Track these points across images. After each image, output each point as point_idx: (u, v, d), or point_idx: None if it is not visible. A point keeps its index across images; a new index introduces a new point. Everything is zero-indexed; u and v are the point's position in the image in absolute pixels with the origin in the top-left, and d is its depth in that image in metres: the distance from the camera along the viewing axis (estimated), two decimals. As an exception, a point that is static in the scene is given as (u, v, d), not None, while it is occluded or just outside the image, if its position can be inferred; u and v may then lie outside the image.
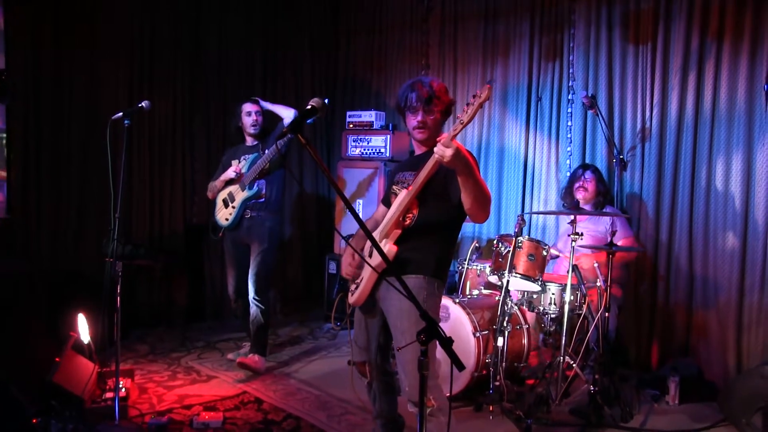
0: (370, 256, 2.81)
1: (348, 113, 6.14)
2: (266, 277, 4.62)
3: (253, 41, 6.35)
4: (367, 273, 2.82)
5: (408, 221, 2.77)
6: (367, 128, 5.93)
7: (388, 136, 5.75)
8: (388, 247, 2.68)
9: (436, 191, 2.70)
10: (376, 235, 2.82)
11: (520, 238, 4.10)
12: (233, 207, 4.60)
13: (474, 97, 2.34)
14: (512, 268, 4.06)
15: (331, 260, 6.02)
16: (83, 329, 4.02)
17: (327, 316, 5.95)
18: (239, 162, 4.65)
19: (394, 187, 2.92)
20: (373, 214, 3.14)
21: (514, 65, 5.62)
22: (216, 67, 6.06)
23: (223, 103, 6.04)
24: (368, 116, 5.96)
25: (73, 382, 3.65)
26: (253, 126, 4.64)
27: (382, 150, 5.79)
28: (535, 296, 4.27)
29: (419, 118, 2.77)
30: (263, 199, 4.60)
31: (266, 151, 4.53)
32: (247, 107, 4.66)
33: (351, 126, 6.06)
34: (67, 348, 3.90)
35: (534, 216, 5.45)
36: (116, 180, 3.52)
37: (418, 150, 2.94)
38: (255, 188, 4.57)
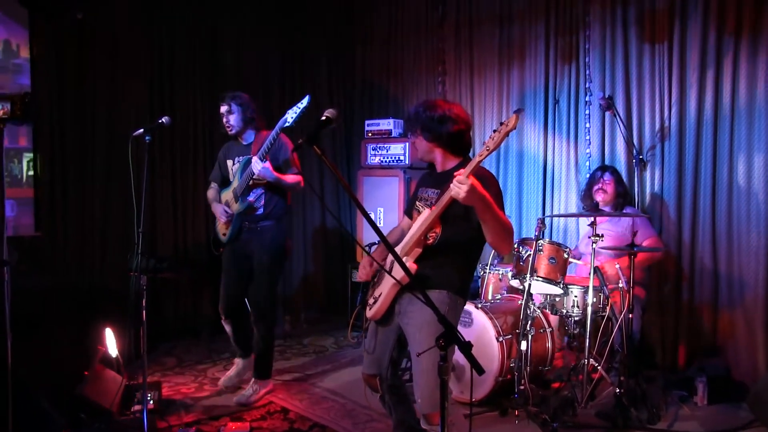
0: (391, 269, 2.84)
1: (366, 122, 6.18)
2: (268, 297, 4.25)
3: (269, 53, 6.43)
4: (386, 287, 2.84)
5: (431, 240, 2.79)
6: (385, 136, 5.97)
7: (407, 144, 5.78)
8: (409, 264, 2.68)
9: (458, 212, 2.72)
10: (398, 250, 2.84)
11: (541, 242, 4.10)
12: (229, 221, 4.27)
13: (501, 124, 2.38)
14: (534, 271, 4.05)
15: (354, 269, 6.06)
16: (111, 343, 4.09)
17: (355, 326, 5.99)
18: (233, 163, 4.31)
19: (417, 203, 2.95)
20: (399, 223, 3.19)
21: (531, 68, 5.60)
22: (234, 79, 6.12)
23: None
24: (386, 124, 6.00)
25: (102, 395, 3.72)
26: (227, 128, 4.24)
27: (401, 158, 5.82)
28: (557, 299, 4.27)
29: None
30: (260, 211, 4.20)
31: (248, 167, 4.12)
32: (221, 108, 4.25)
33: (370, 134, 6.10)
34: (96, 362, 3.98)
35: (555, 218, 5.43)
36: (139, 195, 3.58)
37: (443, 165, 2.93)
38: (246, 202, 4.15)
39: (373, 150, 6.03)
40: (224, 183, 4.40)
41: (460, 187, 2.39)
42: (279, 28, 6.50)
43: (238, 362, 4.54)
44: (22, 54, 4.86)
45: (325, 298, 6.89)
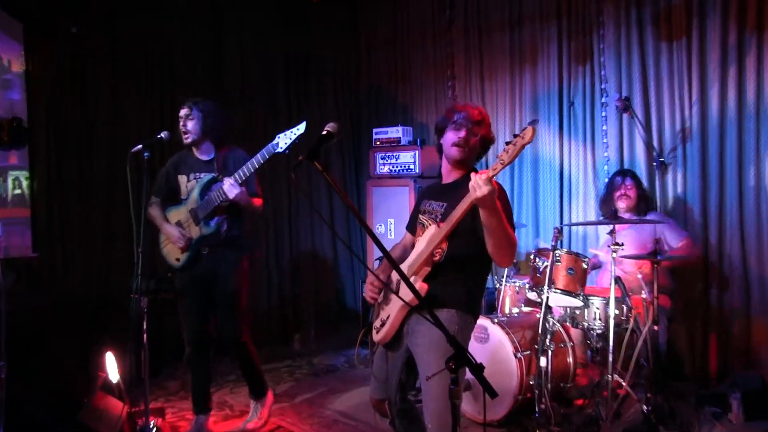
0: (398, 289, 2.74)
1: (374, 130, 6.10)
2: (237, 325, 3.91)
3: (273, 62, 6.38)
4: (394, 309, 2.74)
5: (437, 256, 2.70)
6: (394, 145, 5.89)
7: (417, 152, 5.70)
8: (418, 285, 2.61)
9: (466, 225, 2.62)
10: (403, 268, 2.73)
11: (558, 252, 4.02)
12: (187, 245, 3.86)
13: (516, 137, 2.30)
14: (552, 283, 3.96)
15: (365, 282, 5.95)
16: (112, 368, 3.99)
17: (363, 342, 5.85)
18: (188, 179, 3.91)
19: (421, 216, 2.86)
20: (400, 240, 3.10)
21: (544, 71, 5.55)
22: (237, 90, 6.09)
23: (246, 128, 6.04)
24: (395, 132, 5.91)
25: (103, 423, 3.63)
26: (184, 135, 3.85)
27: (411, 166, 5.74)
28: (578, 312, 4.17)
29: (462, 134, 2.73)
30: (224, 235, 3.86)
31: (219, 186, 3.74)
32: (180, 111, 3.88)
33: (378, 143, 6.02)
34: (96, 388, 3.88)
35: (573, 227, 5.33)
36: (138, 213, 3.51)
37: (447, 176, 2.88)
38: (212, 226, 3.82)
39: (381, 159, 5.95)
40: (170, 199, 3.99)
41: (481, 186, 2.32)
42: (283, 35, 6.46)
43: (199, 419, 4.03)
44: (14, 69, 4.81)
45: (336, 313, 6.79)
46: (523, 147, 2.29)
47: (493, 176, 2.33)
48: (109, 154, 5.26)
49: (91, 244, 5.20)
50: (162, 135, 3.71)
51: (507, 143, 2.33)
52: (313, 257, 6.63)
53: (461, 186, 2.55)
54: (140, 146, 3.56)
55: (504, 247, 2.52)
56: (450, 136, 2.77)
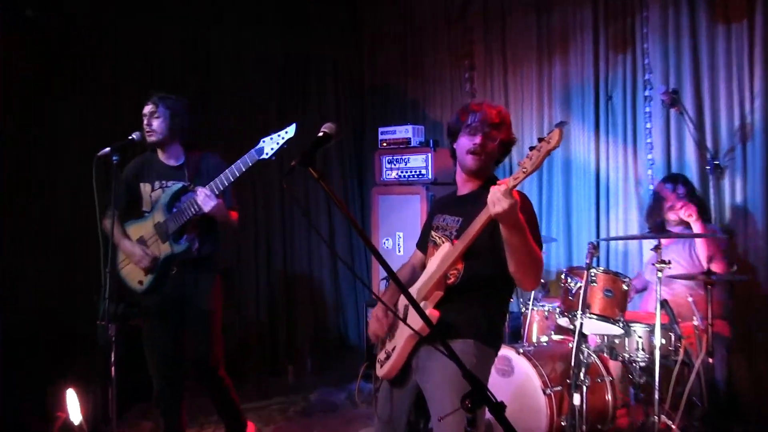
0: (406, 316, 2.72)
1: (380, 130, 6.09)
2: (211, 354, 3.87)
3: (267, 57, 6.42)
4: (401, 340, 2.73)
5: (452, 279, 2.70)
6: (403, 146, 5.87)
7: (429, 155, 5.67)
8: (429, 311, 2.58)
9: (484, 242, 2.60)
10: (412, 292, 2.72)
11: (594, 271, 4.04)
12: (152, 265, 3.79)
13: (541, 141, 2.27)
14: (586, 307, 3.97)
15: (370, 306, 5.92)
16: (73, 407, 3.94)
17: (366, 375, 5.83)
18: (152, 188, 3.84)
19: (433, 233, 2.86)
20: (409, 259, 3.10)
21: (577, 60, 5.56)
22: (229, 89, 6.12)
23: (236, 131, 6.06)
24: (404, 132, 5.89)
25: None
26: (147, 134, 3.77)
27: (423, 171, 5.71)
28: (617, 341, 4.18)
29: (477, 140, 2.72)
30: (196, 255, 3.82)
31: (191, 197, 3.69)
32: (144, 108, 3.83)
33: (384, 144, 6.01)
34: (55, 431, 3.86)
35: (612, 241, 5.31)
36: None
37: (463, 186, 2.88)
38: (184, 244, 3.76)
39: (389, 163, 5.94)
40: (130, 211, 3.91)
41: (500, 200, 2.29)
42: (278, 28, 6.50)
43: None
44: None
45: (337, 341, 6.77)
46: (548, 153, 2.26)
47: (514, 187, 2.30)
48: (76, 159, 5.26)
49: (51, 262, 5.18)
50: (134, 136, 3.67)
51: (531, 148, 2.30)
52: (310, 276, 6.62)
53: (479, 197, 2.55)
54: (108, 149, 3.51)
55: (528, 267, 2.51)
56: (464, 142, 2.76)
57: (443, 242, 2.73)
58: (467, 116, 2.76)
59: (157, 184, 3.82)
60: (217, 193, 3.62)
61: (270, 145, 3.54)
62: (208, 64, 6.03)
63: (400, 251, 5.74)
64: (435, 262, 2.69)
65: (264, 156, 3.55)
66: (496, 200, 2.30)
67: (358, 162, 7.02)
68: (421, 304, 2.61)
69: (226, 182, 3.61)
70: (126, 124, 5.32)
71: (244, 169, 3.58)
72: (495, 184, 2.55)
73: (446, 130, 2.94)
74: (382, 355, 2.83)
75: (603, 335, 4.23)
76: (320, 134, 2.27)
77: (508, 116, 2.82)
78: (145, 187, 3.85)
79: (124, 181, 3.89)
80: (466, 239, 2.55)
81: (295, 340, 6.47)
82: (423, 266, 2.84)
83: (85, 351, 4.72)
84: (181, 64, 5.83)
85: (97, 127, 5.30)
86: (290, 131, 3.52)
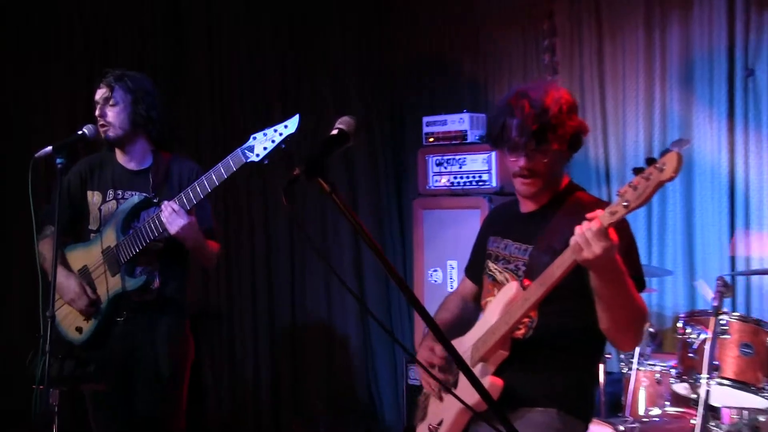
0: (456, 380, 2.77)
1: (425, 120, 6.13)
2: (171, 425, 3.94)
3: (261, 24, 6.62)
4: (451, 413, 2.76)
5: (522, 329, 2.72)
6: (457, 142, 5.89)
7: (493, 154, 5.63)
8: (489, 380, 2.60)
9: (567, 284, 2.55)
10: (466, 345, 2.76)
11: (726, 317, 4.01)
12: (95, 307, 3.82)
13: (652, 165, 2.15)
14: (714, 369, 3.93)
15: (411, 363, 5.90)
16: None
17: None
18: (104, 199, 3.88)
19: (490, 264, 2.90)
20: (457, 287, 3.22)
21: (702, 21, 5.56)
22: (207, 72, 6.25)
23: (219, 127, 6.14)
24: (458, 122, 5.90)
25: None
26: (101, 128, 3.77)
27: (485, 177, 5.74)
28: (762, 418, 4.17)
29: (521, 163, 2.72)
30: (155, 295, 3.84)
31: (154, 213, 3.71)
32: (96, 93, 3.84)
33: (431, 140, 6.05)
34: None
35: (753, 275, 5.26)
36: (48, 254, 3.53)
37: (525, 202, 2.89)
38: (139, 276, 3.77)
39: (437, 165, 5.98)
40: (73, 230, 3.98)
41: (590, 245, 2.25)
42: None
43: None
44: None
45: (361, 404, 6.82)
46: (661, 185, 2.15)
47: (610, 225, 2.25)
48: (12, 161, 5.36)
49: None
50: (85, 130, 3.69)
51: (636, 171, 2.19)
52: (327, 323, 6.70)
53: (549, 216, 2.66)
54: (49, 148, 3.52)
55: (625, 324, 2.54)
56: (509, 163, 2.78)
57: (507, 280, 2.74)
58: (505, 117, 2.72)
59: (110, 193, 3.86)
60: (188, 208, 3.59)
61: (262, 143, 3.51)
62: (180, 27, 6.18)
63: (451, 286, 5.72)
64: (497, 309, 2.70)
65: (253, 158, 3.51)
66: (584, 244, 2.28)
67: (394, 165, 7.04)
68: (478, 367, 2.65)
69: (201, 194, 3.58)
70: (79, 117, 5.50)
71: (226, 177, 3.55)
72: (571, 195, 2.51)
73: (486, 131, 2.91)
74: (423, 427, 2.89)
75: (741, 409, 4.24)
76: (334, 132, 2.24)
77: (570, 102, 2.74)
78: (93, 197, 3.87)
79: (68, 187, 3.88)
80: (544, 287, 2.50)
81: (303, 401, 6.60)
82: (475, 301, 2.87)
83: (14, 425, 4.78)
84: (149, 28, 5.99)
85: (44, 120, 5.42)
86: (291, 125, 3.50)
